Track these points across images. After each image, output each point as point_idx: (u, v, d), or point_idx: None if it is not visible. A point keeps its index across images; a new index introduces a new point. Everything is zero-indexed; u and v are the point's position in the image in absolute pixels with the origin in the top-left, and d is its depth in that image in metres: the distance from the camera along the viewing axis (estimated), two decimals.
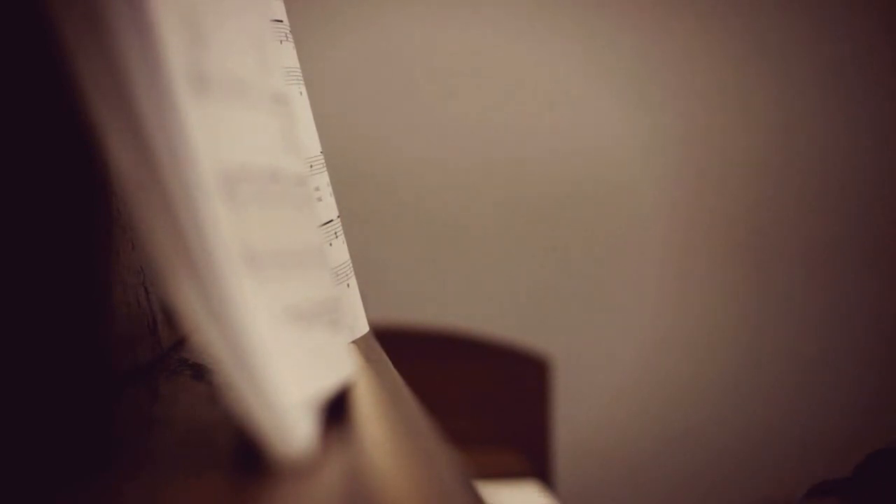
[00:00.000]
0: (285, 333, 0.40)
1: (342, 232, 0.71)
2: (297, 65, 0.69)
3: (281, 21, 0.67)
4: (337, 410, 0.46)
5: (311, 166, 0.69)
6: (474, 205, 1.86)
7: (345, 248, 0.72)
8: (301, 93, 0.68)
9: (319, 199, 0.69)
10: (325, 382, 0.43)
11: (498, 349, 1.67)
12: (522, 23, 1.86)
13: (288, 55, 0.67)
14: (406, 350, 1.57)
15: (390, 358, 0.72)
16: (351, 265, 0.72)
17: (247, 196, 0.40)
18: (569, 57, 1.87)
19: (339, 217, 0.71)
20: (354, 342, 0.70)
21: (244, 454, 0.38)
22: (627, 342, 1.89)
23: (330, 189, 0.71)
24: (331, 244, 0.69)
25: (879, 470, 0.81)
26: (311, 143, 0.69)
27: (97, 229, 0.51)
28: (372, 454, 0.43)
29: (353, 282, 0.72)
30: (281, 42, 0.67)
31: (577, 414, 1.85)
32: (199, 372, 0.57)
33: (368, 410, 0.50)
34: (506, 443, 1.64)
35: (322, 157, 0.70)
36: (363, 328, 0.73)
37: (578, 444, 1.85)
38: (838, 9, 1.90)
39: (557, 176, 1.87)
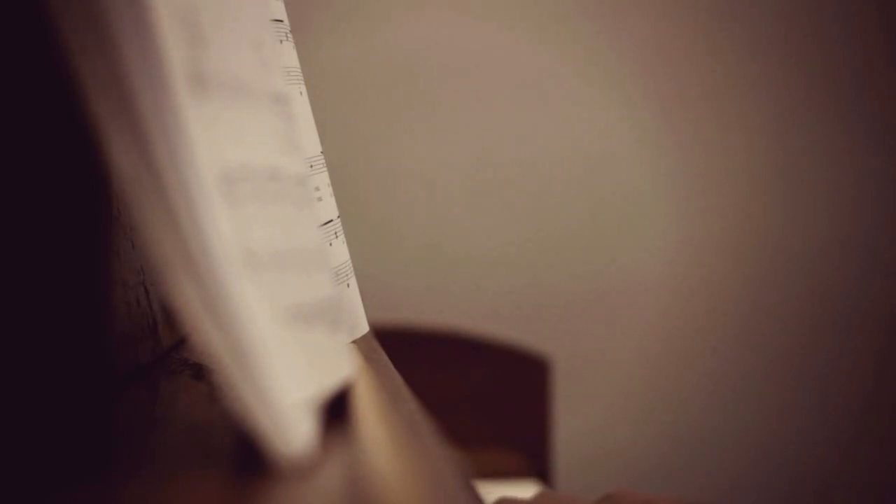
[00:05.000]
0: (285, 333, 0.40)
1: (342, 232, 0.71)
2: (297, 65, 0.69)
3: (281, 21, 0.67)
4: (337, 410, 0.46)
5: (312, 166, 0.69)
6: (474, 204, 1.86)
7: (345, 248, 0.72)
8: (301, 93, 0.68)
9: (319, 199, 0.69)
10: (325, 382, 0.43)
11: (498, 349, 1.67)
12: (523, 23, 1.86)
13: (288, 55, 0.67)
14: (406, 350, 1.57)
15: (390, 358, 0.72)
16: (351, 265, 0.72)
17: (246, 196, 0.40)
18: (570, 57, 1.87)
19: (339, 217, 0.71)
20: (354, 342, 0.70)
21: (244, 454, 0.38)
22: (627, 342, 1.89)
23: (330, 189, 0.71)
24: (331, 244, 0.69)
25: None
26: (311, 143, 0.69)
27: (97, 229, 0.51)
28: (372, 454, 0.43)
29: (353, 282, 0.72)
30: (281, 42, 0.67)
31: (577, 414, 1.85)
32: (199, 372, 0.57)
33: (368, 410, 0.50)
34: (506, 443, 1.64)
35: (322, 157, 0.70)
36: (363, 328, 0.73)
37: (578, 444, 1.85)
38: (839, 8, 1.90)
39: (558, 175, 1.87)
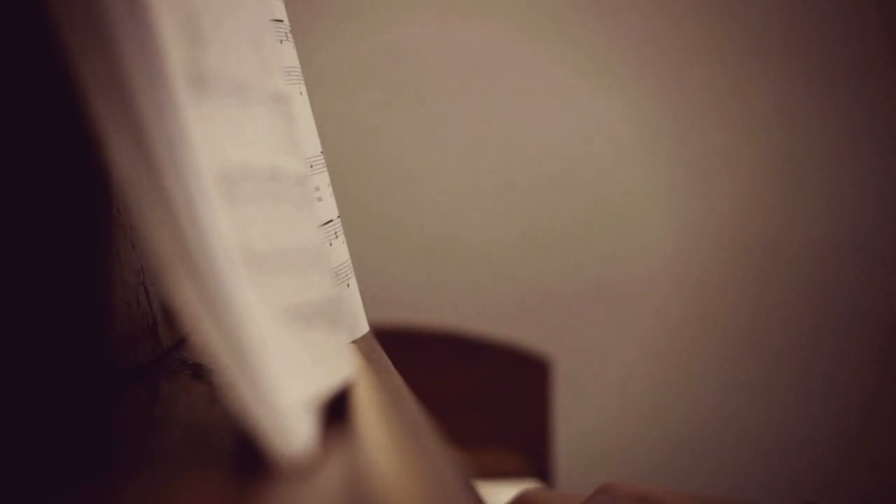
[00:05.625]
0: (285, 333, 0.40)
1: (342, 232, 0.71)
2: (297, 65, 0.69)
3: (281, 21, 0.67)
4: (337, 410, 0.46)
5: (312, 166, 0.69)
6: (474, 204, 1.86)
7: (345, 248, 0.72)
8: (301, 93, 0.68)
9: (319, 199, 0.69)
10: (325, 382, 0.43)
11: (498, 349, 1.67)
12: (523, 23, 1.86)
13: (288, 55, 0.67)
14: (406, 350, 1.57)
15: (390, 358, 0.71)
16: (351, 265, 0.72)
17: (246, 196, 0.40)
18: (570, 57, 1.87)
19: (339, 217, 0.71)
20: (354, 342, 0.70)
21: (244, 454, 0.38)
22: (627, 342, 1.89)
23: (330, 189, 0.71)
24: (331, 244, 0.69)
25: None
26: (311, 143, 0.69)
27: (97, 229, 0.51)
28: (372, 454, 0.43)
29: (353, 282, 0.72)
30: (281, 42, 0.67)
31: (577, 414, 1.85)
32: (199, 372, 0.57)
33: (368, 410, 0.50)
34: (506, 443, 1.64)
35: (322, 157, 0.70)
36: (363, 328, 0.73)
37: (578, 444, 1.85)
38: (838, 7, 1.90)
39: (558, 175, 1.87)
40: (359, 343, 0.70)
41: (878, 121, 1.91)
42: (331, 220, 0.70)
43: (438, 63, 1.85)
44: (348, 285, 0.71)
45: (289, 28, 0.68)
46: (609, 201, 1.88)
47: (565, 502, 0.89)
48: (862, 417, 1.91)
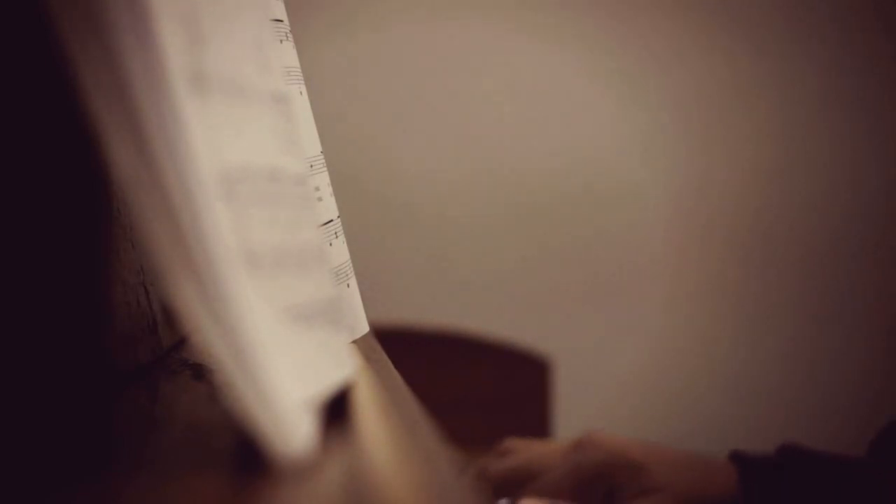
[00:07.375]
0: (285, 333, 0.40)
1: (342, 232, 0.71)
2: (297, 65, 0.69)
3: (281, 21, 0.67)
4: (337, 410, 0.46)
5: (312, 166, 0.69)
6: (474, 204, 1.86)
7: (345, 248, 0.72)
8: (301, 93, 0.68)
9: (319, 199, 0.69)
10: (325, 382, 0.43)
11: (498, 349, 1.67)
12: (523, 23, 1.86)
13: (288, 55, 0.67)
14: (406, 350, 1.57)
15: (390, 358, 0.71)
16: (351, 265, 0.72)
17: (247, 196, 0.40)
18: (569, 58, 1.87)
19: (339, 217, 0.71)
20: (354, 342, 0.70)
21: (244, 454, 0.38)
22: (627, 342, 1.89)
23: (330, 189, 0.71)
24: (331, 244, 0.69)
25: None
26: (311, 143, 0.69)
27: (97, 229, 0.51)
28: (372, 454, 0.43)
29: (353, 282, 0.72)
30: (281, 42, 0.67)
31: (577, 414, 1.85)
32: (199, 372, 0.57)
33: (368, 410, 0.50)
34: None
35: (322, 157, 0.70)
36: (363, 328, 0.73)
37: None
38: (839, 7, 1.90)
39: (557, 175, 1.87)
40: (359, 343, 0.70)
41: (879, 119, 1.91)
42: (331, 220, 0.70)
43: (438, 63, 1.85)
44: (348, 285, 0.71)
45: (289, 28, 0.68)
46: (609, 202, 1.88)
47: (543, 449, 0.91)
48: (864, 417, 1.91)
